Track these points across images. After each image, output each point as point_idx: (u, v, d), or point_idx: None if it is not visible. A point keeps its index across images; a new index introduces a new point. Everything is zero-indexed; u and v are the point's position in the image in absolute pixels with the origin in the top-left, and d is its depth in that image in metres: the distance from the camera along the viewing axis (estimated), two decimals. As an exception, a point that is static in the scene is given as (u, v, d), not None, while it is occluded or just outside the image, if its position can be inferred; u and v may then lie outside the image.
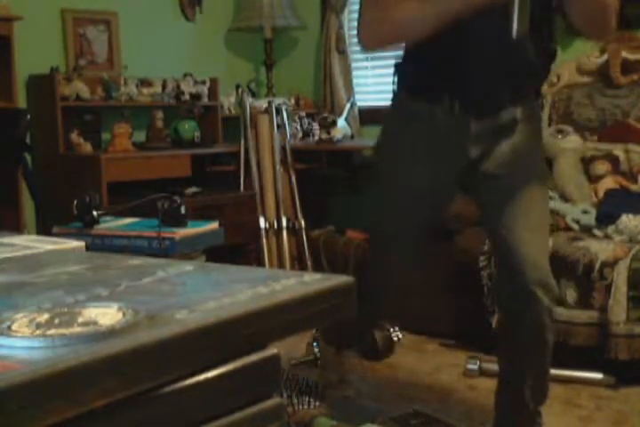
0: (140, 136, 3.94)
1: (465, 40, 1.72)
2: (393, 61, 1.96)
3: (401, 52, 1.92)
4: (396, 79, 1.93)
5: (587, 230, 2.82)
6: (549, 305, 1.79)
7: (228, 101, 4.24)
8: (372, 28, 1.79)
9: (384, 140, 2.01)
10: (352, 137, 4.13)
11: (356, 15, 4.78)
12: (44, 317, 0.62)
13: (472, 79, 1.78)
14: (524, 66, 1.81)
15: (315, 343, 2.53)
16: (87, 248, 1.13)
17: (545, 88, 3.40)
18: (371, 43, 1.84)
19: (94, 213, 2.14)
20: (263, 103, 4.01)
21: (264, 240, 3.75)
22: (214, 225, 2.23)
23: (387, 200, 2.00)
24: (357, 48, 4.42)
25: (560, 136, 3.18)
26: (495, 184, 1.86)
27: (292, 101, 4.30)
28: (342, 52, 4.31)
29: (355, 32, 1.89)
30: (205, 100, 4.11)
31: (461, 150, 1.84)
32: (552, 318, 1.82)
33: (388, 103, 2.00)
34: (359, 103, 4.27)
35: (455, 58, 1.77)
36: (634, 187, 2.99)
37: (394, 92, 1.95)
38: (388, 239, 2.01)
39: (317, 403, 2.26)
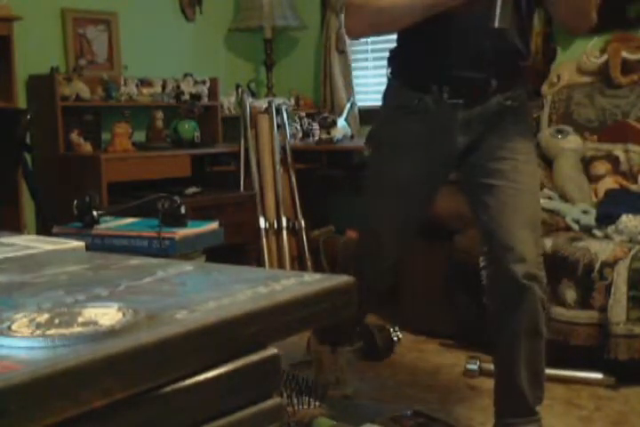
0: (140, 136, 3.94)
1: (450, 29, 1.76)
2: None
3: (394, 44, 1.98)
4: (389, 70, 1.99)
5: (587, 230, 2.82)
6: (541, 296, 1.82)
7: (227, 101, 4.24)
8: (357, 17, 1.84)
9: (374, 130, 2.06)
10: (352, 137, 4.13)
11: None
12: (44, 317, 0.62)
13: (458, 68, 1.81)
14: (509, 54, 1.84)
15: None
16: (87, 248, 1.12)
17: (545, 88, 3.40)
18: (355, 30, 1.90)
19: (94, 213, 2.14)
20: (263, 103, 4.00)
21: (264, 240, 3.75)
22: (214, 225, 2.23)
23: (374, 191, 2.04)
24: (357, 48, 4.43)
25: (560, 136, 3.18)
26: (483, 178, 1.89)
27: (292, 101, 4.30)
28: (342, 52, 4.31)
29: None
30: (205, 100, 4.11)
31: (449, 139, 1.87)
32: (545, 310, 1.85)
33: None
34: (359, 103, 4.27)
35: (441, 47, 1.81)
36: (634, 187, 2.99)
37: (388, 81, 2.01)
38: (375, 233, 2.06)
39: (317, 403, 2.25)
